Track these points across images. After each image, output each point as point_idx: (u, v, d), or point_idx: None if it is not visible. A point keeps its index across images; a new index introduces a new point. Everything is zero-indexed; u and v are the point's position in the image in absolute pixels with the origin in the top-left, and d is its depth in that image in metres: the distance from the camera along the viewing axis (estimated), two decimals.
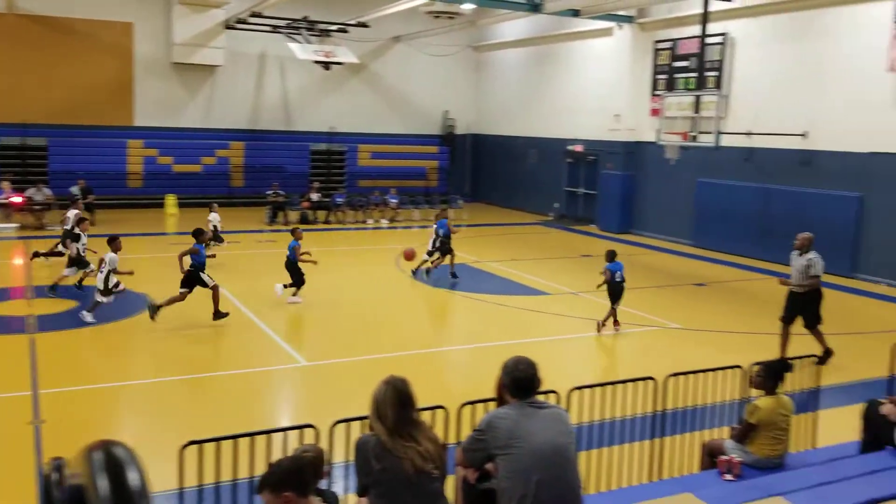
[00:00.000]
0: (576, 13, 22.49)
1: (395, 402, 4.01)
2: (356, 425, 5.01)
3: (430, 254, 16.27)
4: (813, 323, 11.02)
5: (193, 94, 27.18)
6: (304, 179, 27.54)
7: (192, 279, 11.95)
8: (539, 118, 27.85)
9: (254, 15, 25.00)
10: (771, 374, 5.92)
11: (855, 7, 17.48)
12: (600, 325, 12.37)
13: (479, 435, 4.21)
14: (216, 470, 4.92)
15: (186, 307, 12.29)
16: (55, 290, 13.32)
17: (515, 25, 28.36)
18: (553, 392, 6.06)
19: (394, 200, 25.89)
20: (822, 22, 18.26)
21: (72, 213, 14.55)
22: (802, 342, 11.57)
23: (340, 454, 5.35)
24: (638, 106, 23.35)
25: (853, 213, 17.46)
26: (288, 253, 13.68)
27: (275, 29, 26.04)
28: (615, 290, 12.31)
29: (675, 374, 6.70)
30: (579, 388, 6.32)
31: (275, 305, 13.40)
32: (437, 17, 23.94)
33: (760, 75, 19.69)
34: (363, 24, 26.30)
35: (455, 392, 9.17)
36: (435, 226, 16.37)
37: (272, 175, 26.57)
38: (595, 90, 24.89)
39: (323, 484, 4.34)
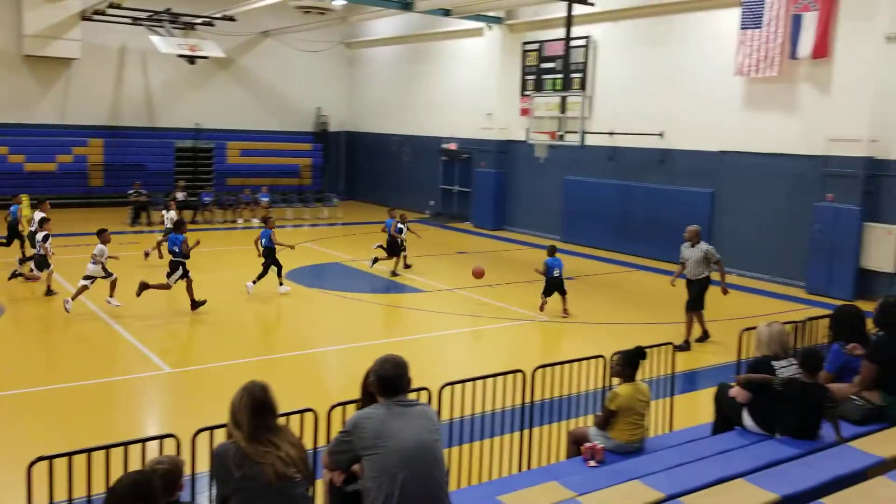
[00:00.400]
0: (446, 13, 22.74)
1: (252, 409, 3.94)
2: (220, 433, 4.88)
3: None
4: (697, 307, 11.88)
5: (47, 89, 25.64)
6: (168, 178, 26.52)
7: (174, 267, 13.12)
8: (413, 116, 27.98)
9: (112, 6, 23.83)
10: (628, 362, 6.21)
11: (706, 14, 18.54)
12: (542, 306, 13.67)
13: (345, 436, 4.19)
14: (69, 487, 4.68)
15: (44, 315, 11.61)
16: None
17: (388, 23, 28.37)
18: (425, 389, 6.12)
19: (265, 199, 25.36)
20: (677, 27, 19.25)
21: (37, 215, 14.81)
22: (660, 331, 12.18)
23: (204, 464, 5.20)
24: (509, 105, 23.87)
25: (706, 208, 18.51)
26: (263, 241, 14.36)
27: (135, 21, 24.93)
28: (551, 284, 13.47)
29: (542, 366, 6.91)
30: (450, 384, 6.40)
31: (136, 311, 12.86)
32: (307, 12, 23.60)
33: (621, 77, 20.55)
34: (230, 18, 25.59)
35: (327, 394, 9.10)
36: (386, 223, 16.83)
37: (134, 174, 25.44)
38: (468, 89, 25.25)
39: (184, 496, 4.20)
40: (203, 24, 25.72)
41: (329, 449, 4.32)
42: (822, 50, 15.95)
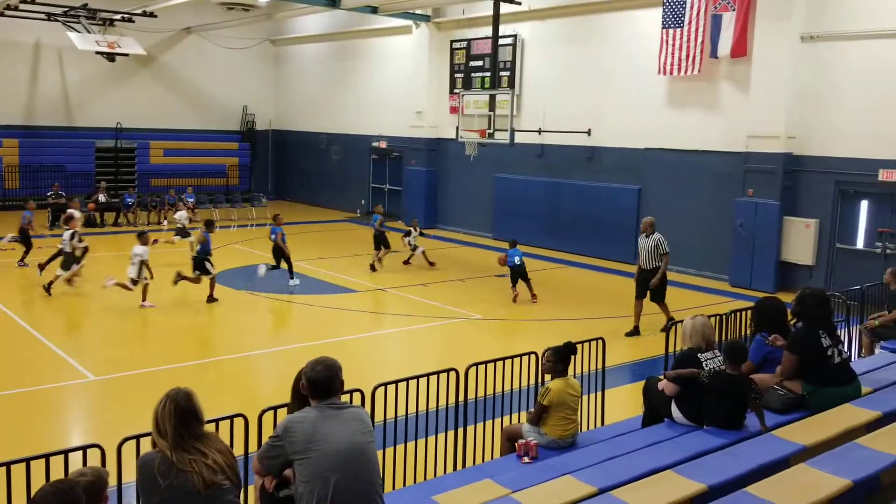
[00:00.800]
0: (374, 10, 22.63)
1: (176, 416, 3.85)
2: (147, 442, 4.75)
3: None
4: (660, 296, 12.32)
5: None
6: (89, 179, 25.69)
7: (198, 264, 13.94)
8: (343, 114, 27.77)
9: (25, 1, 22.92)
10: (559, 358, 6.28)
11: (629, 13, 18.92)
12: (514, 298, 14.61)
13: (275, 441, 4.14)
14: None
15: None
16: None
17: (314, 20, 28.07)
18: (358, 391, 6.08)
19: (190, 200, 24.80)
20: (601, 27, 19.59)
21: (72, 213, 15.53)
22: (591, 327, 12.39)
23: (131, 474, 5.05)
24: (438, 103, 23.91)
25: (633, 204, 18.91)
26: (272, 237, 15.33)
27: (50, 17, 24.03)
28: (514, 273, 14.65)
29: (476, 364, 6.94)
30: (383, 384, 6.37)
31: (59, 319, 12.42)
32: (231, 8, 23.19)
33: (549, 76, 20.81)
34: (150, 14, 24.90)
35: (258, 398, 8.96)
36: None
37: (52, 175, 24.57)
38: (397, 87, 25.19)
39: None
40: (122, 20, 24.97)
41: (259, 454, 4.25)
42: (740, 49, 16.46)
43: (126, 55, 24.60)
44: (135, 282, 13.38)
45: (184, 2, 23.14)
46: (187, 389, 4.01)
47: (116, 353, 10.86)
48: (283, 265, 15.41)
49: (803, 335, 6.42)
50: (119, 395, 9.28)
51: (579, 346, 7.60)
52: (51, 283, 14.00)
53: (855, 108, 15.21)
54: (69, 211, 15.89)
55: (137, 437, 4.80)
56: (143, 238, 13.82)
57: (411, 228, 18.08)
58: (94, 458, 4.81)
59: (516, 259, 14.56)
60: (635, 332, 12.05)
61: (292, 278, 15.43)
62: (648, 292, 12.34)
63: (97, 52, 23.78)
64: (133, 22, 25.14)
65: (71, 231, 14.33)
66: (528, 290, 14.62)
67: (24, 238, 16.74)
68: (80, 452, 4.80)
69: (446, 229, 23.91)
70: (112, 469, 4.58)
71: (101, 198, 23.38)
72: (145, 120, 27.73)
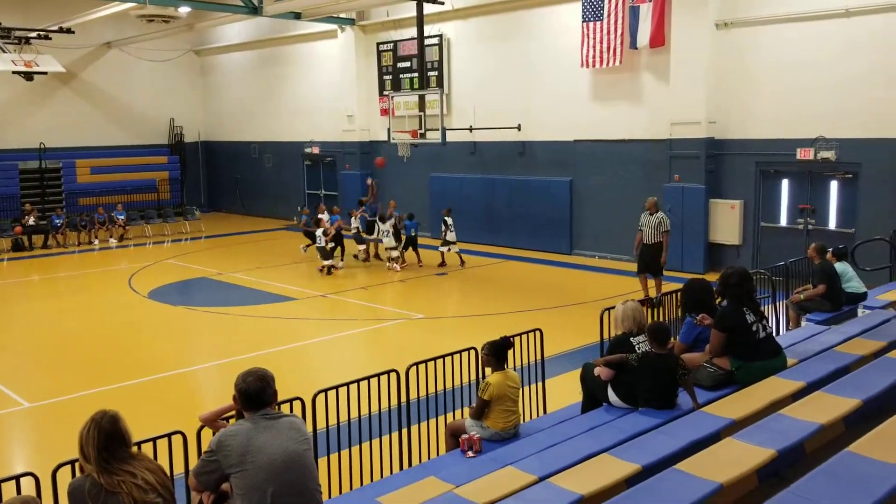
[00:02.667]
0: (297, 16, 22.45)
1: (98, 440, 3.79)
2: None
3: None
4: (658, 270, 13.46)
5: None
6: (14, 202, 24.88)
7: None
8: (273, 121, 27.48)
9: None
10: (493, 352, 6.36)
11: (550, 8, 19.16)
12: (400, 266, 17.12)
13: (210, 456, 4.10)
14: None
15: None
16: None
17: (238, 28, 27.71)
18: (298, 399, 6.05)
19: (121, 217, 24.25)
20: (524, 23, 19.81)
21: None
22: (529, 318, 12.55)
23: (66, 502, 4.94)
24: (369, 106, 23.85)
25: (566, 196, 19.19)
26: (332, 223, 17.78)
27: None
28: (408, 241, 17.59)
29: (416, 364, 6.97)
30: (323, 390, 6.35)
31: None
32: (151, 20, 22.68)
33: (477, 74, 20.95)
34: (67, 30, 24.24)
35: (197, 414, 8.84)
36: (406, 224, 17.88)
37: None
38: (326, 91, 25.04)
39: None
40: (38, 37, 24.24)
41: (195, 470, 4.21)
42: (659, 39, 16.85)
43: (45, 73, 23.91)
44: None
45: (102, 16, 22.58)
46: (113, 412, 3.95)
47: (51, 376, 10.57)
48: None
49: (728, 313, 6.61)
50: (56, 421, 9.03)
51: (518, 339, 7.73)
52: None
53: (771, 90, 15.71)
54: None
55: (72, 463, 4.70)
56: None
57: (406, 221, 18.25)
58: (27, 486, 4.69)
59: (412, 231, 17.59)
60: (649, 301, 12.09)
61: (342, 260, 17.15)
62: (645, 264, 13.49)
63: (14, 72, 23.04)
64: (50, 39, 24.42)
65: None
66: (417, 257, 17.80)
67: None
68: (14, 482, 4.68)
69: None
70: (48, 497, 4.48)
71: (31, 221, 22.68)
72: (70, 138, 26.97)
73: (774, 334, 7.14)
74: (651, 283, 13.74)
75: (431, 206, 22.24)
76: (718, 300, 7.13)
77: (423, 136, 19.28)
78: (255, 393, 4.16)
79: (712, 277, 8.27)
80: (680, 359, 6.22)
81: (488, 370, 6.51)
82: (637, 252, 13.80)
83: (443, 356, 7.25)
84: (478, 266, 18.34)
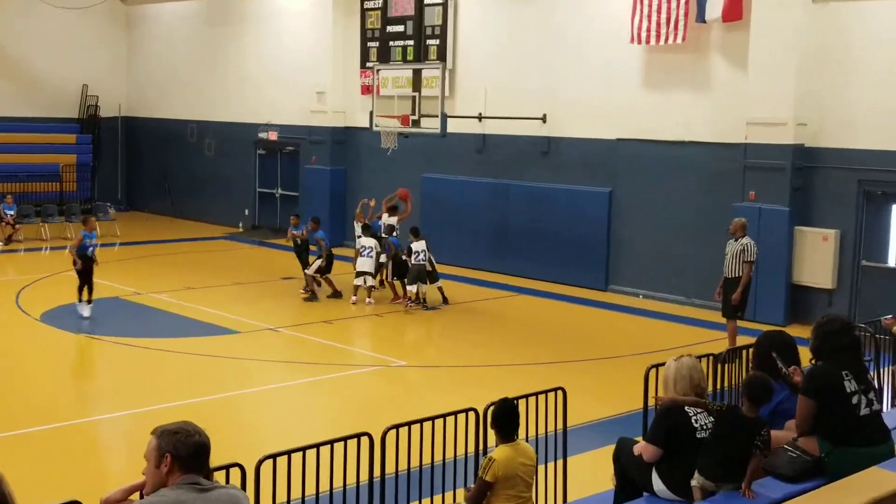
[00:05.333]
0: None
1: None
2: None
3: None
4: (729, 312, 13.85)
5: None
6: None
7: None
8: (218, 96, 27.53)
9: None
10: (498, 420, 6.27)
11: None
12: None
13: None
14: None
15: None
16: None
17: None
18: (236, 465, 5.99)
19: (10, 212, 24.17)
20: None
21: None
22: (551, 372, 12.49)
23: None
24: (346, 81, 23.92)
25: (603, 212, 19.20)
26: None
27: None
28: (401, 266, 17.26)
29: (397, 426, 6.91)
30: (271, 456, 6.29)
31: None
32: None
33: (491, 45, 21.01)
34: None
35: (105, 476, 8.74)
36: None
37: None
38: (291, 59, 25.13)
39: None
40: None
41: None
42: (735, 12, 16.92)
43: None
44: None
45: None
46: None
47: None
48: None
49: (821, 374, 6.52)
50: None
51: (533, 400, 7.66)
52: None
53: (883, 85, 15.69)
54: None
55: None
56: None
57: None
58: None
59: (401, 252, 17.33)
60: (727, 356, 12.01)
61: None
62: (727, 306, 13.84)
63: None
64: None
65: None
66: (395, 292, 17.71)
67: None
68: None
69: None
70: None
71: None
72: None
73: (882, 411, 7.07)
74: (731, 328, 13.87)
75: (423, 216, 22.13)
76: (811, 360, 7.07)
77: (416, 123, 19.31)
78: (188, 455, 4.14)
79: (795, 332, 8.24)
80: (767, 426, 6.17)
81: (492, 439, 6.46)
82: (720, 291, 14.08)
83: (432, 418, 7.18)
84: (481, 300, 18.28)
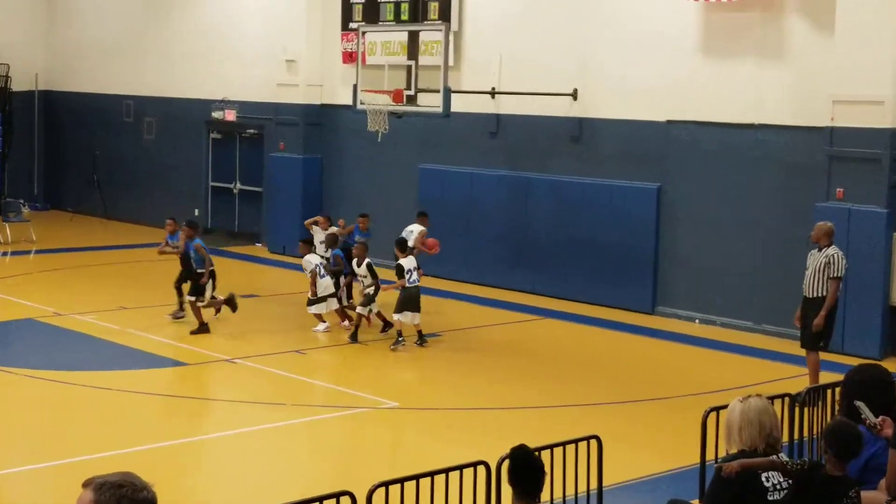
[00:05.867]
0: None
1: None
2: None
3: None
4: (809, 342, 13.61)
5: None
6: None
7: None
8: (161, 65, 27.60)
9: None
10: (516, 476, 6.24)
11: None
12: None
13: None
14: None
15: None
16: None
17: None
18: None
19: None
20: None
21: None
22: (584, 417, 12.50)
23: None
24: (324, 46, 23.96)
25: (650, 213, 19.20)
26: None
27: None
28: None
29: (387, 483, 6.94)
30: None
31: None
32: None
33: (507, 1, 21.03)
34: None
35: None
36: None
37: None
38: (252, 20, 25.22)
39: None
40: None
41: None
42: None
43: None
44: None
45: None
46: None
47: None
48: None
49: None
50: None
51: (560, 451, 7.68)
52: None
53: None
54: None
55: None
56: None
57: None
58: None
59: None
60: (807, 397, 11.77)
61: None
62: (806, 335, 13.68)
63: None
64: None
65: None
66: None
67: None
68: None
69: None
70: None
71: None
72: None
73: None
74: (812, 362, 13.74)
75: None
76: None
77: (411, 100, 19.29)
78: None
79: (894, 367, 8.25)
80: (856, 489, 6.20)
81: (507, 499, 6.49)
82: (799, 316, 13.89)
83: (430, 473, 7.21)
84: (494, 325, 18.28)
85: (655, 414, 13.40)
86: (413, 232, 18.18)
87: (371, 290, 16.74)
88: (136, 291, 19.88)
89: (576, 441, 7.91)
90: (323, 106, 24.18)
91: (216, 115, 26.11)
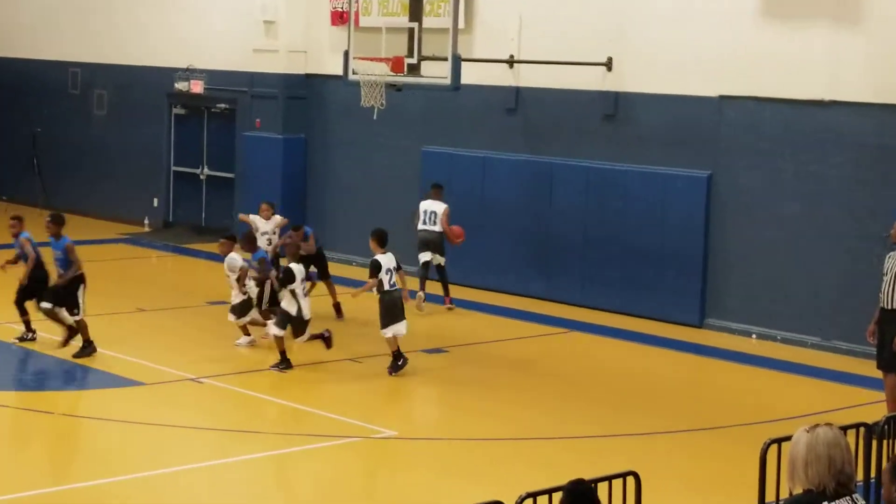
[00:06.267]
0: None
1: None
2: None
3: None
4: (888, 361, 13.44)
5: None
6: None
7: None
8: (115, 27, 27.70)
9: None
10: None
11: None
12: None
13: None
14: None
15: None
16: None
17: None
18: None
19: None
20: None
21: None
22: (613, 448, 12.53)
23: None
24: (309, 4, 24.07)
25: (699, 207, 19.21)
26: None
27: None
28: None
29: None
30: None
31: None
32: None
33: None
34: None
35: None
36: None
37: None
38: None
39: None
40: None
41: None
42: None
43: None
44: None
45: None
46: None
47: None
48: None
49: None
50: None
51: (606, 486, 7.71)
52: None
53: None
54: None
55: None
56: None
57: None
58: None
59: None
60: (886, 427, 11.80)
61: None
62: (883, 355, 13.52)
63: None
64: None
65: None
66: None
67: None
68: None
69: (330, 257, 23.85)
70: None
71: None
72: None
73: None
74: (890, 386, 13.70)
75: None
76: None
77: (414, 70, 19.29)
78: None
79: None
80: None
81: None
82: (873, 330, 13.81)
83: None
84: (513, 339, 18.30)
85: (703, 446, 13.44)
86: (435, 211, 18.15)
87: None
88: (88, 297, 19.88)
89: (609, 478, 7.92)
90: (307, 76, 24.25)
91: (180, 86, 26.17)
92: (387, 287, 15.89)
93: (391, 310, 15.86)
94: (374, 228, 16.91)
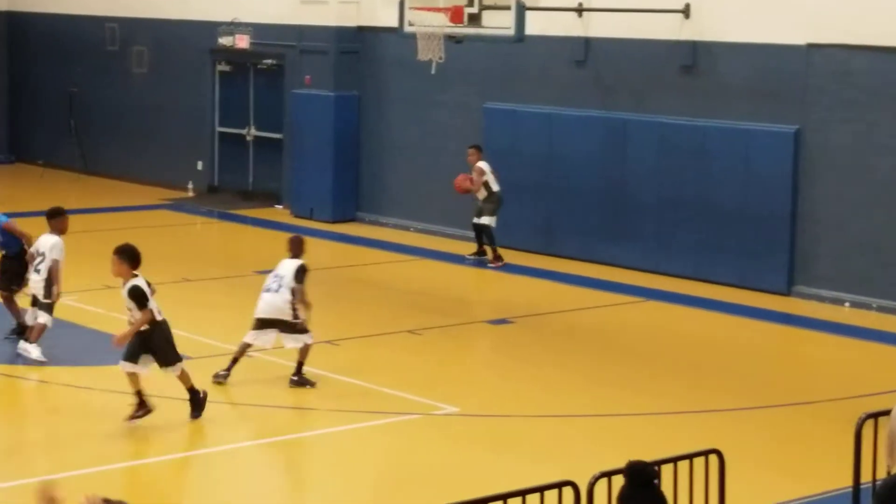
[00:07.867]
0: None
1: None
2: None
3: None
4: None
5: None
6: None
7: None
8: None
9: None
10: (625, 494, 6.26)
11: None
12: None
13: None
14: None
15: None
16: None
17: None
18: None
19: None
20: None
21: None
22: (695, 425, 12.47)
23: None
24: None
25: (785, 166, 19.09)
26: None
27: None
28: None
29: None
30: None
31: None
32: None
33: None
34: None
35: None
36: None
37: None
38: None
39: None
40: None
41: None
42: None
43: None
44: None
45: None
46: None
47: None
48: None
49: None
50: None
51: (669, 469, 7.64)
52: None
53: None
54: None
55: None
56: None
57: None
58: None
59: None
60: None
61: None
62: None
63: None
64: None
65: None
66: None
67: None
68: None
69: (380, 222, 23.90)
70: None
71: None
72: None
73: None
74: None
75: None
76: None
77: (474, 20, 19.23)
78: None
79: None
80: None
81: None
82: None
83: (503, 496, 7.22)
84: (584, 309, 18.27)
85: (792, 423, 13.36)
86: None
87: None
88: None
89: (690, 456, 7.89)
90: (360, 29, 24.26)
91: (224, 41, 26.23)
92: (158, 317, 13.11)
93: (171, 341, 13.22)
94: (121, 245, 13.93)
